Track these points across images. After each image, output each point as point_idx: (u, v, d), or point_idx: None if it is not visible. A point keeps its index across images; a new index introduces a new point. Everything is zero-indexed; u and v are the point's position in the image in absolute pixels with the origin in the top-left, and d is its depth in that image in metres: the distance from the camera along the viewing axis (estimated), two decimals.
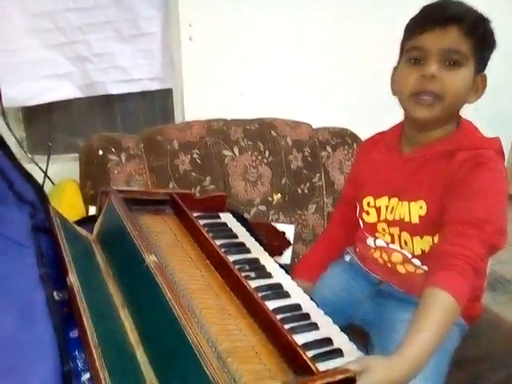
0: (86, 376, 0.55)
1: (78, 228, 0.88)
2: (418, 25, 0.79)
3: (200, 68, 1.54)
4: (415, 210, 0.82)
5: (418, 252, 0.84)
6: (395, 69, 0.88)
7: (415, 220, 0.83)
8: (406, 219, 0.84)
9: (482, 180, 0.74)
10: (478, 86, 0.80)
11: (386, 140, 0.94)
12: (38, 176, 1.48)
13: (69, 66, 1.48)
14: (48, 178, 1.49)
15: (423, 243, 0.83)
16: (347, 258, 1.00)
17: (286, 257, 1.40)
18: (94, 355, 0.52)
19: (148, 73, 1.53)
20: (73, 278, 0.62)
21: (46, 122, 1.54)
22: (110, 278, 0.75)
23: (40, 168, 1.50)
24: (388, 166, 0.90)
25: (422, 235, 0.83)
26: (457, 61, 0.76)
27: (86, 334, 0.54)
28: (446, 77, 0.76)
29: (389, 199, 0.88)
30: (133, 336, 0.64)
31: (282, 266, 0.88)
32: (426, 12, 0.79)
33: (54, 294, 0.62)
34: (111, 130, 1.54)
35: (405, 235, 0.85)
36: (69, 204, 1.23)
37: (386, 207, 0.88)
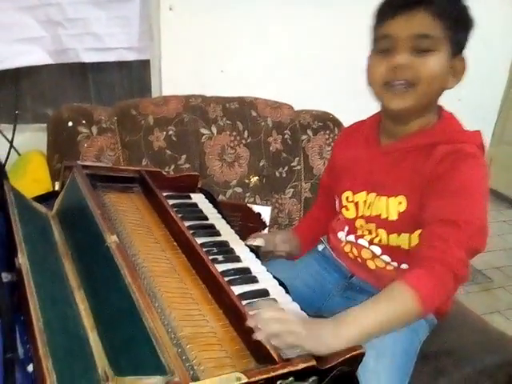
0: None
1: (37, 205, 0.82)
2: (385, 10, 0.74)
3: (180, 40, 1.47)
4: (394, 206, 0.79)
5: (392, 245, 0.82)
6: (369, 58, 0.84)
7: (393, 217, 0.79)
8: (383, 216, 0.80)
9: (462, 177, 0.71)
10: (455, 70, 0.75)
11: (365, 131, 0.89)
12: (4, 146, 1.41)
13: (40, 30, 1.39)
14: (14, 148, 1.42)
15: (400, 240, 0.80)
16: (320, 247, 0.98)
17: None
18: (38, 342, 0.48)
19: (124, 42, 1.45)
20: (22, 259, 0.58)
21: (13, 89, 1.46)
22: (67, 259, 0.71)
23: (5, 137, 1.43)
24: (366, 160, 0.86)
25: (400, 232, 0.80)
26: (428, 47, 0.71)
27: (30, 319, 0.50)
28: (418, 63, 0.72)
29: (367, 194, 0.84)
30: (87, 320, 0.61)
31: (252, 249, 0.85)
32: None
33: (3, 275, 0.57)
34: (84, 100, 1.47)
35: (381, 232, 0.82)
36: (34, 177, 1.17)
37: (364, 202, 0.84)
